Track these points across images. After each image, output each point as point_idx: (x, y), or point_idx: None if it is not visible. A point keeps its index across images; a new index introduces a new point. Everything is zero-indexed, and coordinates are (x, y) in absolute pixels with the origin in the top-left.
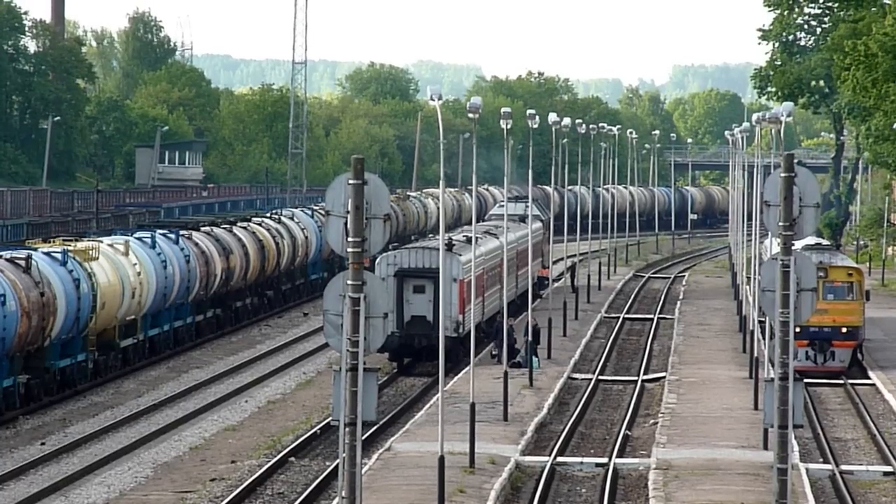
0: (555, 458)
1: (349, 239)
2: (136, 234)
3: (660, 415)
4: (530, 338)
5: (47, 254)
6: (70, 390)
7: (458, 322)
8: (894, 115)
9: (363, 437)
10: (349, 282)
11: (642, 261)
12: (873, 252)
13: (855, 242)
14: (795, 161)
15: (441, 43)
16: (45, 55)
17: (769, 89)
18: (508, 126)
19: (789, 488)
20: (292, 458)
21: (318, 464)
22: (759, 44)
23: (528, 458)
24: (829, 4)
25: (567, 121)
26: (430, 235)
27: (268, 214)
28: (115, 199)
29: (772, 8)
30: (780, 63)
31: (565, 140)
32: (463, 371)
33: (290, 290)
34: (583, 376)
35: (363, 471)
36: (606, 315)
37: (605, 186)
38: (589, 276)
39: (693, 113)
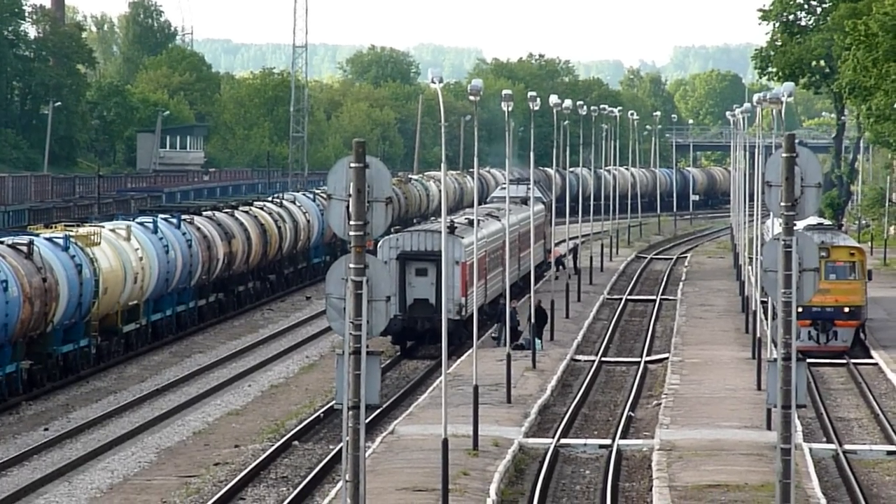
0: (558, 439)
1: (351, 222)
2: (138, 219)
3: (663, 396)
4: (533, 320)
5: (49, 239)
6: (73, 376)
7: (460, 305)
8: (895, 94)
9: (367, 421)
10: (351, 265)
11: (644, 242)
12: (875, 231)
13: (857, 222)
14: (797, 141)
15: (442, 26)
16: (46, 41)
17: (770, 70)
18: (510, 108)
19: (793, 468)
20: (296, 442)
21: (322, 447)
22: (760, 24)
23: (531, 441)
24: None
25: (568, 103)
26: (432, 218)
27: (270, 198)
28: (116, 184)
29: None
30: (780, 43)
31: (566, 122)
32: (466, 354)
33: (292, 273)
34: (586, 358)
35: (367, 454)
36: (609, 297)
37: (607, 168)
38: (591, 257)
39: (694, 94)
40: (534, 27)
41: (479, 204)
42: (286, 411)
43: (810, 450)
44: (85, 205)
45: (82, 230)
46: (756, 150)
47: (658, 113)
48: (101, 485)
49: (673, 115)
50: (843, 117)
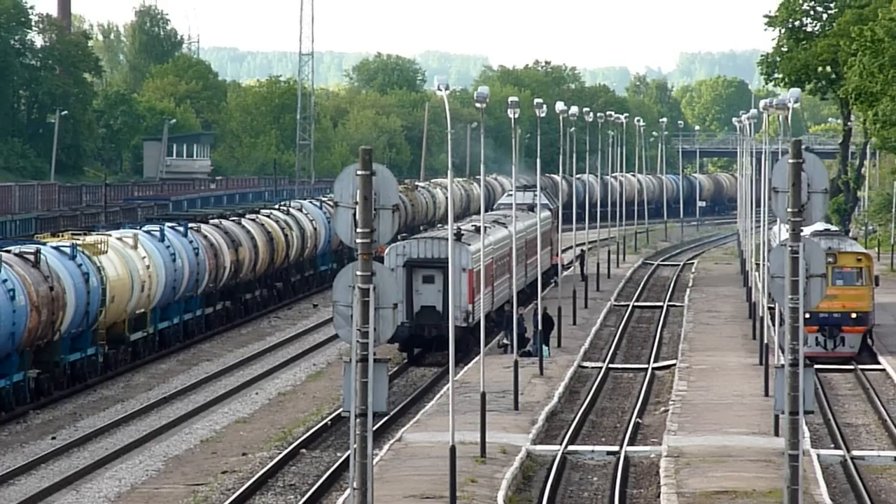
0: (566, 446)
1: (358, 230)
2: (145, 228)
3: (670, 402)
4: (540, 327)
5: (56, 248)
6: (80, 384)
7: (467, 312)
8: None
9: (374, 428)
10: (358, 273)
11: (651, 248)
12: (882, 237)
13: (863, 228)
14: (803, 147)
15: (448, 33)
16: (52, 50)
17: (776, 76)
18: (516, 115)
19: (801, 474)
20: (303, 450)
21: (330, 455)
22: (766, 30)
23: (539, 447)
24: None
25: (574, 109)
26: (439, 225)
27: (276, 206)
28: (123, 192)
29: None
30: (786, 49)
31: (573, 129)
32: (473, 361)
33: (299, 281)
34: (593, 364)
35: (374, 461)
36: (616, 303)
37: (614, 174)
38: (598, 264)
39: (700, 100)
40: (540, 34)
41: (486, 211)
42: (293, 419)
43: (818, 456)
44: (92, 213)
45: (89, 239)
46: (762, 156)
47: (664, 119)
48: (109, 493)
49: (679, 122)
50: (849, 123)
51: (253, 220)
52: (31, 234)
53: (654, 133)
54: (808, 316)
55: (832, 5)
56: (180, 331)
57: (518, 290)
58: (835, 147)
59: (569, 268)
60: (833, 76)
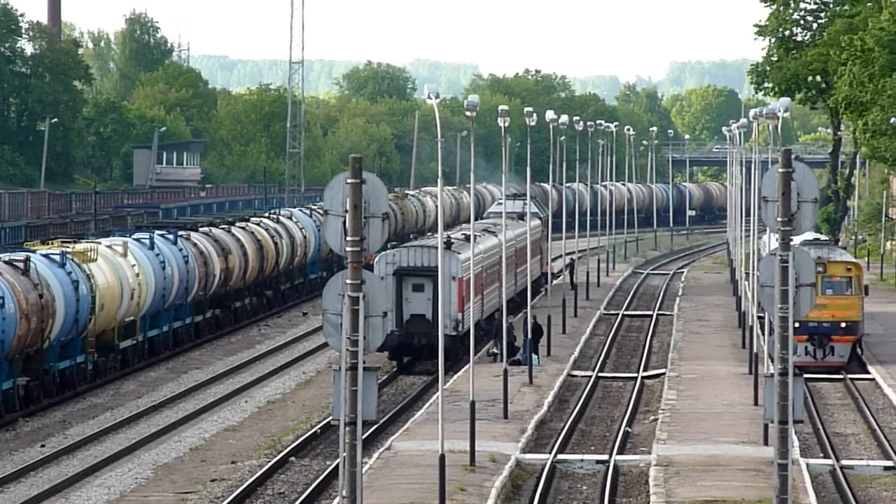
0: (555, 455)
1: (348, 238)
2: (135, 236)
3: (660, 411)
4: (529, 335)
5: (46, 256)
6: (69, 392)
7: (457, 320)
8: (891, 109)
9: (363, 437)
10: (348, 281)
11: (641, 257)
12: (871, 247)
13: (853, 237)
14: (793, 156)
15: (438, 41)
16: (42, 57)
17: (766, 85)
18: (506, 124)
19: (790, 483)
20: (293, 458)
21: (319, 463)
22: (756, 39)
23: (528, 456)
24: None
25: (564, 118)
26: (429, 234)
27: (266, 214)
28: (113, 200)
29: (768, 3)
30: (776, 58)
31: (563, 137)
32: (463, 369)
33: (289, 289)
34: (582, 373)
35: (364, 470)
36: (606, 312)
37: (604, 183)
38: (588, 273)
39: (690, 109)
40: (530, 42)
41: (476, 219)
42: (283, 427)
43: (807, 465)
44: (81, 221)
45: (79, 246)
46: (752, 166)
47: (654, 128)
48: (98, 501)
49: (669, 131)
50: (839, 132)
51: (243, 228)
52: (20, 241)
53: (644, 142)
54: (797, 325)
55: (822, 15)
56: (170, 339)
57: (508, 299)
58: (825, 156)
59: (558, 276)
60: (823, 85)
